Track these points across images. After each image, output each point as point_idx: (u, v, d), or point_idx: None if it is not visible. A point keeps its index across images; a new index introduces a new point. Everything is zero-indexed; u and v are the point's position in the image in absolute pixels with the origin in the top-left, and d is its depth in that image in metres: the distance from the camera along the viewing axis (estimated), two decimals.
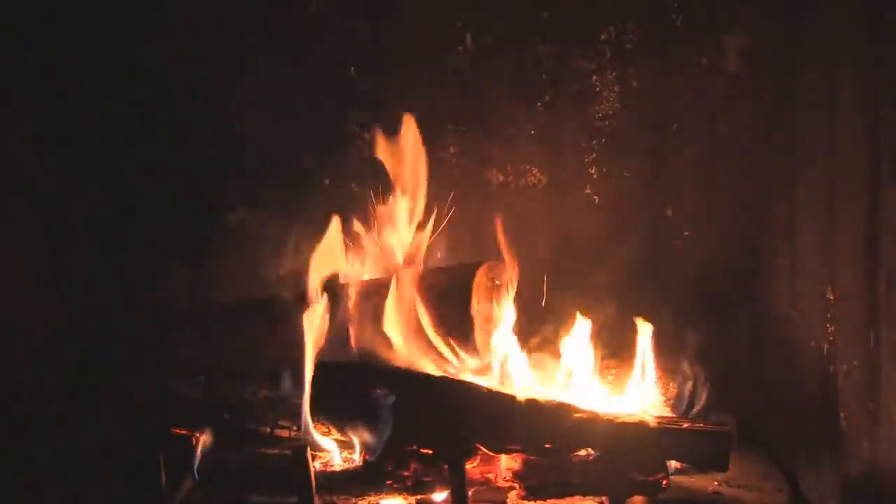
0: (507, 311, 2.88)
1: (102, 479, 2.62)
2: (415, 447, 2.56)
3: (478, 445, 2.56)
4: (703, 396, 2.83)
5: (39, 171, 2.95)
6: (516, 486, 2.56)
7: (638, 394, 2.84)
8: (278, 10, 3.25)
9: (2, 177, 2.81)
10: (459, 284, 2.83)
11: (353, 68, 3.25)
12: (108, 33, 3.14)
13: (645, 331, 2.86)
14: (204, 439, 2.60)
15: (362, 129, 3.25)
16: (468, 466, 2.52)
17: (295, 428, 2.69)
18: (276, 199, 3.25)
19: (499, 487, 2.56)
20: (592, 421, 2.54)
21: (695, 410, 2.82)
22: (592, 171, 3.24)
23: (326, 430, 2.66)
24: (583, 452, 2.56)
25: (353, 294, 2.84)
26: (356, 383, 2.65)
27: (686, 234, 3.21)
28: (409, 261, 2.92)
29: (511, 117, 3.24)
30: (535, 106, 3.24)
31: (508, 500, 2.55)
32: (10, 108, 2.83)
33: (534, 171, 3.27)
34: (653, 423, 2.54)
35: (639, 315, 2.89)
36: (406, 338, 2.79)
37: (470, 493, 2.48)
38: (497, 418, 2.55)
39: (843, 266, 2.50)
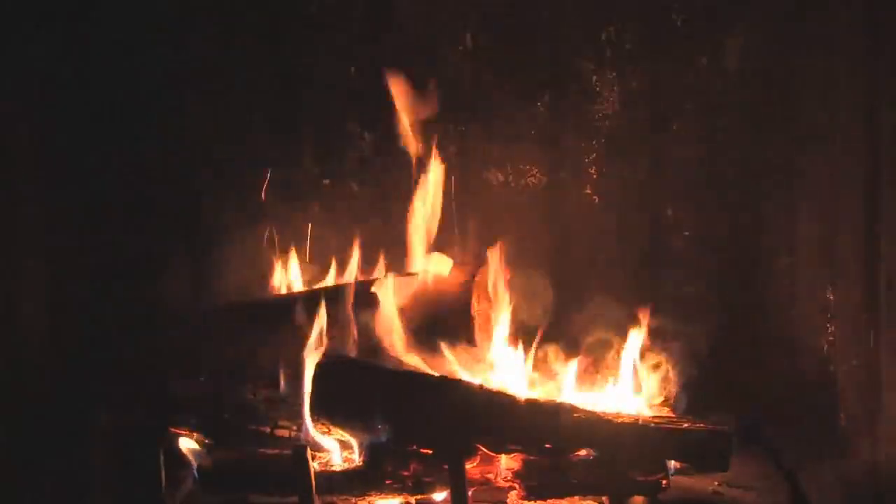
0: (507, 312, 2.88)
1: (102, 479, 2.62)
2: (415, 447, 2.56)
3: (478, 445, 2.56)
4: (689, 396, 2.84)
5: (39, 171, 2.95)
6: (516, 486, 2.55)
7: (636, 393, 2.84)
8: (279, 9, 3.24)
9: (2, 177, 2.81)
10: (460, 284, 2.83)
11: (352, 68, 3.25)
12: (105, 32, 3.14)
13: (643, 330, 2.86)
14: (193, 445, 2.61)
15: (362, 129, 3.25)
16: (468, 466, 2.52)
17: (295, 428, 2.69)
18: (276, 200, 3.25)
19: (499, 487, 2.56)
20: (592, 421, 2.53)
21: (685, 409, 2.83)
22: (592, 171, 3.24)
23: (326, 430, 2.66)
24: (583, 452, 2.56)
25: (353, 295, 2.84)
26: (356, 383, 2.65)
27: (686, 234, 3.21)
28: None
29: (511, 117, 3.24)
30: (535, 106, 3.24)
31: (508, 500, 2.54)
32: (9, 105, 2.83)
33: (534, 171, 3.27)
34: (653, 423, 2.54)
35: (638, 315, 2.89)
36: (406, 338, 2.79)
37: (470, 493, 2.48)
38: (497, 418, 2.55)
39: (843, 266, 2.51)
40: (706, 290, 3.17)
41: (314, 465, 2.52)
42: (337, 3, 3.26)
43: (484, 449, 2.56)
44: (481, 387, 2.64)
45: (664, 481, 2.50)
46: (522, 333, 2.94)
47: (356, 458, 2.64)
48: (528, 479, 2.55)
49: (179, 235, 3.26)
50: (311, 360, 2.65)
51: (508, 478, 2.56)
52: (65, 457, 2.68)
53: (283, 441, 2.68)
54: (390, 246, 3.02)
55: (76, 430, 2.73)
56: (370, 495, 2.55)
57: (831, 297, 2.57)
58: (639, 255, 3.21)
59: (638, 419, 2.55)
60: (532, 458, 2.56)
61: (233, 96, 3.24)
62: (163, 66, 3.19)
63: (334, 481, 2.56)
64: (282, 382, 2.75)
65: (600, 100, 3.22)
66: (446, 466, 2.48)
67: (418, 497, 2.53)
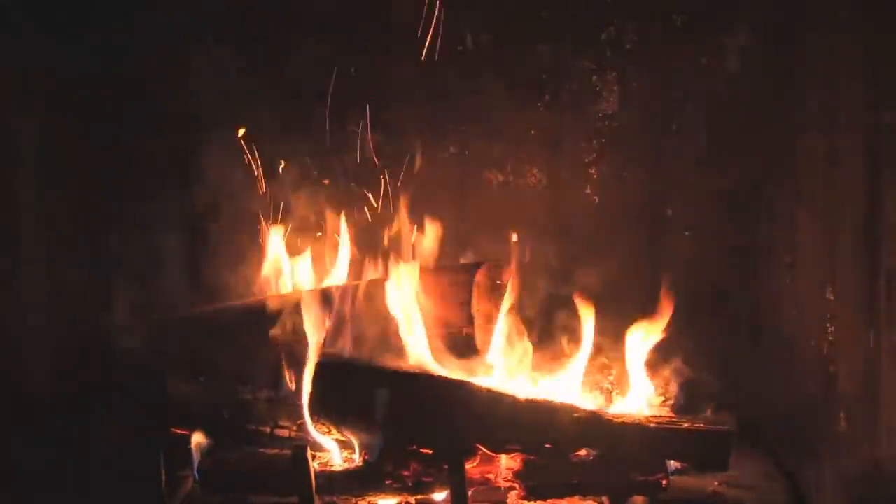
0: (507, 311, 2.88)
1: (103, 480, 2.62)
2: (415, 447, 2.56)
3: (478, 445, 2.56)
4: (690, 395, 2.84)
5: (39, 171, 2.95)
6: (516, 486, 2.56)
7: (637, 393, 2.84)
8: (278, 8, 3.24)
9: (1, 177, 2.81)
10: (460, 284, 2.83)
11: (352, 68, 3.24)
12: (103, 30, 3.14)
13: (643, 331, 2.86)
14: (201, 439, 2.61)
15: (362, 130, 3.25)
16: (468, 466, 2.52)
17: (295, 428, 2.69)
18: (276, 200, 3.25)
19: (499, 487, 2.56)
20: (592, 421, 2.54)
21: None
22: (592, 171, 3.24)
23: (326, 430, 2.66)
24: (583, 452, 2.57)
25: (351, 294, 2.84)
26: (356, 383, 2.65)
27: (686, 234, 3.21)
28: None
29: (511, 117, 3.24)
30: (535, 106, 3.24)
31: (508, 500, 2.55)
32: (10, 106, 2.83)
33: (534, 171, 3.27)
34: (653, 423, 2.54)
35: (638, 315, 2.89)
36: (406, 337, 2.79)
37: (470, 493, 2.48)
38: (497, 418, 2.55)
39: (843, 266, 2.50)
40: (706, 289, 3.16)
41: (314, 465, 2.53)
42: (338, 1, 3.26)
43: (484, 449, 2.56)
44: (481, 387, 2.65)
45: (664, 481, 2.51)
46: (522, 333, 2.94)
47: (356, 458, 2.64)
48: (528, 479, 2.55)
49: (179, 235, 3.26)
50: (310, 360, 2.65)
51: (508, 478, 2.56)
52: (65, 457, 2.68)
53: (283, 441, 2.69)
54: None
55: (76, 431, 2.73)
56: (370, 495, 2.55)
57: (831, 297, 2.56)
58: (638, 255, 3.20)
59: (638, 419, 2.56)
60: (532, 458, 2.56)
61: (232, 96, 3.23)
62: (160, 64, 3.19)
63: (334, 481, 2.57)
64: (282, 382, 2.75)
65: (600, 100, 3.22)
66: (446, 466, 2.48)
67: (418, 497, 2.53)
